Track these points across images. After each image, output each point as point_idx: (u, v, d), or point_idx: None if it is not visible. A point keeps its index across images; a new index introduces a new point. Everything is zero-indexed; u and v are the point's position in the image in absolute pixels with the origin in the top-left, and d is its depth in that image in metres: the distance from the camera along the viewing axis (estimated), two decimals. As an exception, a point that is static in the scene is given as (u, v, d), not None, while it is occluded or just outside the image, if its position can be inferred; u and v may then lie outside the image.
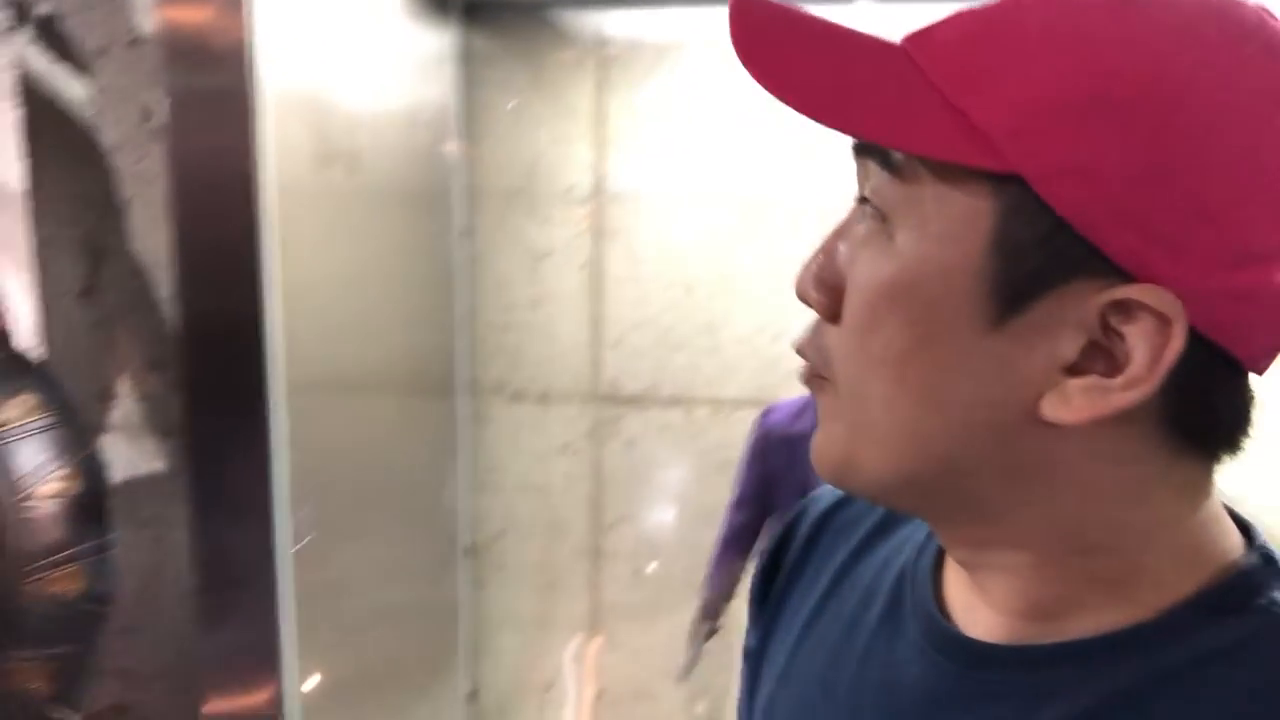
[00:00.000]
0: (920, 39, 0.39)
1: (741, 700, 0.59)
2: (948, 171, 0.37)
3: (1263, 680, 0.38)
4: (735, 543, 1.27)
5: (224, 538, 1.08)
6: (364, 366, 1.41)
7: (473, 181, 1.56)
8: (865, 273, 0.40)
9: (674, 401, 1.57)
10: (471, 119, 1.54)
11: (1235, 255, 0.36)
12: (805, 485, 1.23)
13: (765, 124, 1.46)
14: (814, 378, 0.43)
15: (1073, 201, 0.35)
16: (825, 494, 0.59)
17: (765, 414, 1.26)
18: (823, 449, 0.44)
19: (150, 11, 1.33)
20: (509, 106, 1.53)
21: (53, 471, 0.89)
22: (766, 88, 0.39)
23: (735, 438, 1.53)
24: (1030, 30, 0.37)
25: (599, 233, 1.56)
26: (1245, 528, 0.42)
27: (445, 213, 1.54)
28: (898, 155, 0.38)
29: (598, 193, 1.54)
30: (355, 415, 1.38)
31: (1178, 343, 0.35)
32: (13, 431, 0.90)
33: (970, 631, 0.44)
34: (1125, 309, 0.36)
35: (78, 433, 0.91)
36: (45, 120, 1.39)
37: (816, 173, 1.44)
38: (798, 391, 1.49)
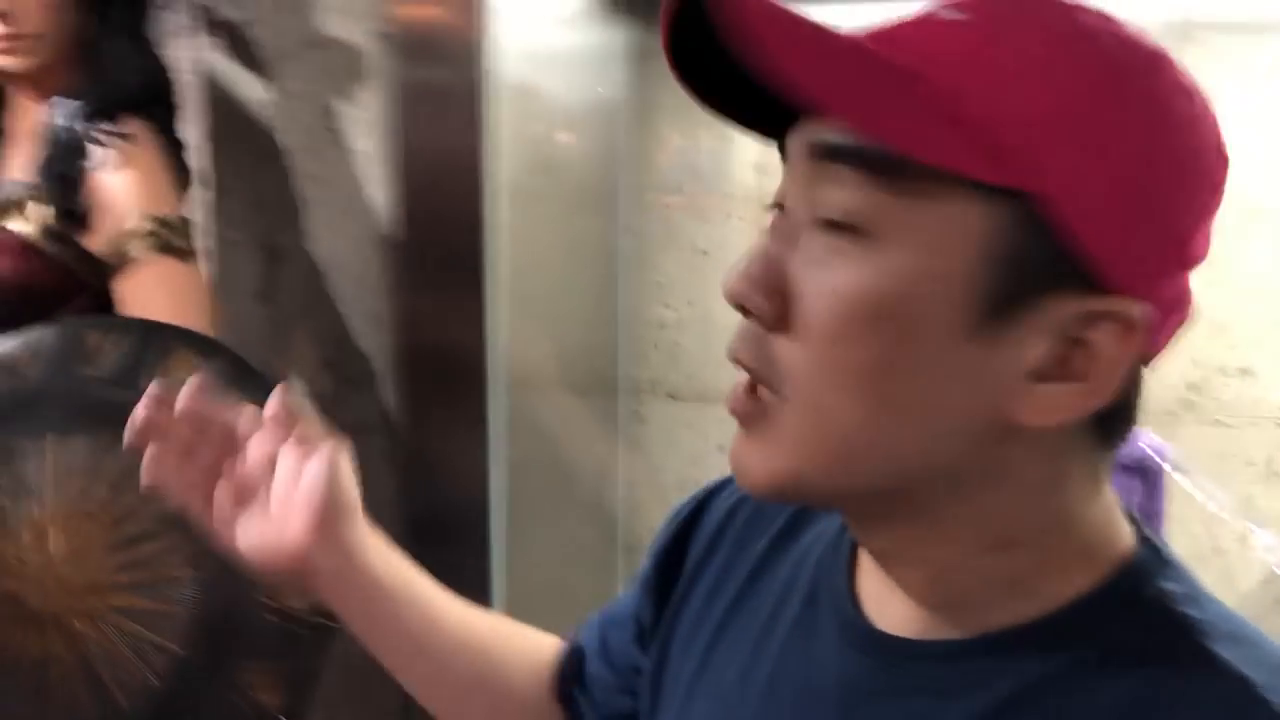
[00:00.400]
0: (924, 48, 0.39)
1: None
2: (942, 182, 0.37)
3: (1152, 668, 0.40)
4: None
5: (440, 551, 1.09)
6: (542, 363, 1.42)
7: (638, 179, 1.54)
8: (838, 283, 0.39)
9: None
10: (639, 116, 1.51)
11: (1184, 268, 0.41)
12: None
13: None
14: (753, 388, 0.42)
15: (1068, 217, 0.37)
16: (726, 489, 0.58)
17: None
18: (759, 465, 0.42)
19: (331, 15, 1.32)
20: (675, 105, 1.50)
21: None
22: (782, 81, 0.37)
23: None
24: (1034, 50, 0.39)
25: (762, 232, 1.50)
26: (1131, 518, 0.45)
27: (612, 210, 1.53)
28: (884, 164, 0.37)
29: (761, 192, 1.50)
30: (535, 411, 1.39)
31: (1138, 348, 0.39)
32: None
33: (884, 625, 0.45)
34: (1093, 317, 0.38)
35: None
36: (226, 122, 1.39)
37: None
38: None
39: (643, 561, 0.63)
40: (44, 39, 1.03)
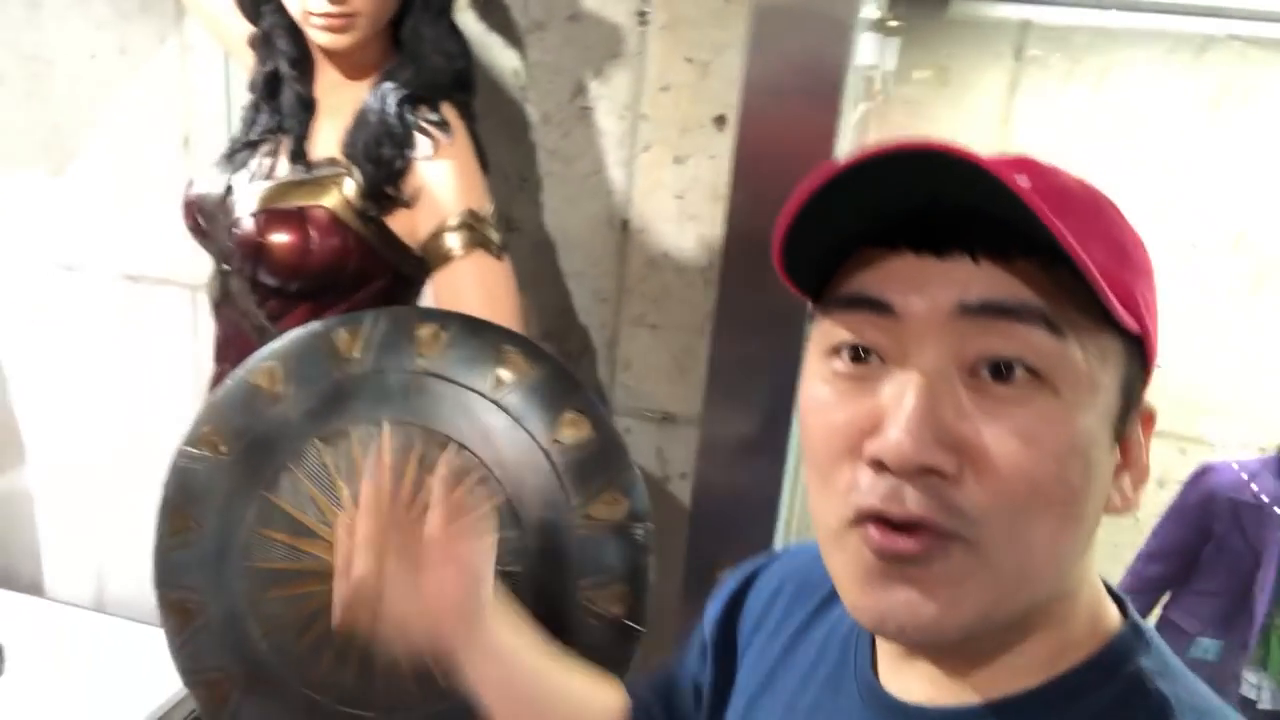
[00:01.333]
0: (1076, 224, 0.42)
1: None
2: (1099, 331, 0.44)
3: None
4: (1142, 595, 1.27)
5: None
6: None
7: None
8: (1029, 430, 0.43)
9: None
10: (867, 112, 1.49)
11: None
12: (1255, 551, 1.23)
13: (1176, 155, 1.39)
14: (939, 541, 0.44)
15: (1151, 348, 0.47)
16: (790, 554, 0.67)
17: (1204, 473, 1.24)
18: (949, 613, 0.45)
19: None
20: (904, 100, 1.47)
21: (602, 492, 0.93)
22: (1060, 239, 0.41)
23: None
24: (1123, 224, 0.48)
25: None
26: (1117, 597, 0.51)
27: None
28: (1059, 319, 0.43)
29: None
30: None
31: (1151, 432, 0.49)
32: (569, 451, 0.93)
33: (900, 691, 0.51)
34: (1138, 415, 0.48)
35: (619, 451, 0.93)
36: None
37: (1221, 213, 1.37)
38: (1217, 444, 1.46)
39: (697, 631, 0.71)
40: (367, 18, 1.02)
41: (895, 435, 0.43)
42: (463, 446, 0.92)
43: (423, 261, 1.08)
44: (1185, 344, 1.45)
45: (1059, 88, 1.43)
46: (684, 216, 1.35)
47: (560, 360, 0.96)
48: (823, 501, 0.48)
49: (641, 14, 1.30)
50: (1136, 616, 0.50)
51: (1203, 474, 1.26)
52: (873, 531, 0.45)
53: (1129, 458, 0.48)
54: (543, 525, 0.92)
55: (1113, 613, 0.50)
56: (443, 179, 1.03)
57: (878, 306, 0.45)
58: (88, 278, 1.76)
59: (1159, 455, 1.45)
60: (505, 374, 0.94)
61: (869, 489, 0.44)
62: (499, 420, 0.93)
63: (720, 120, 1.31)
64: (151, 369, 1.76)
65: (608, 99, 1.34)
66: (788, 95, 1.00)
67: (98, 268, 1.75)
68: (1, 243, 1.79)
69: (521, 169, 1.40)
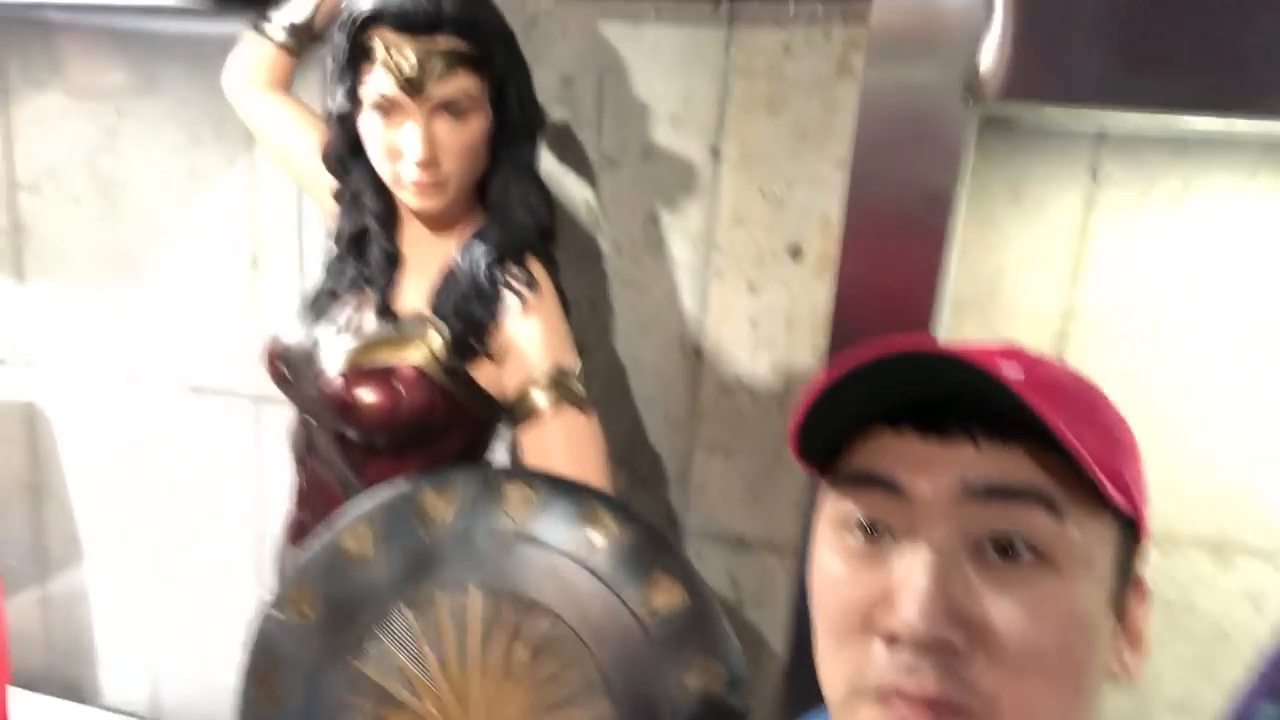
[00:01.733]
0: (1067, 412, 0.46)
1: None
2: (1096, 512, 0.47)
3: None
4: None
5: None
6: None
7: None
8: (1035, 607, 0.45)
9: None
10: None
11: None
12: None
13: (1260, 275, 1.36)
14: (953, 716, 0.45)
15: (1143, 528, 0.50)
16: None
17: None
18: None
19: (664, 127, 1.31)
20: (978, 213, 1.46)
21: (697, 659, 0.89)
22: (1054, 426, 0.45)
23: (1184, 580, 1.46)
24: (1108, 408, 0.52)
25: (1060, 357, 1.48)
26: None
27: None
28: (1059, 500, 0.46)
29: (1066, 315, 1.47)
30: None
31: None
32: (662, 618, 0.90)
33: None
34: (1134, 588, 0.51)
35: (714, 616, 0.91)
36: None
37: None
38: (1262, 542, 1.41)
39: None
40: (457, 180, 1.03)
41: (909, 612, 0.45)
42: (552, 612, 0.90)
43: (504, 409, 1.07)
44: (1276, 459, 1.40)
45: (1136, 205, 1.40)
46: (758, 344, 1.34)
47: (651, 521, 0.94)
48: (834, 669, 0.50)
49: (714, 150, 1.30)
50: None
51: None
52: (900, 706, 0.46)
53: (1128, 630, 0.51)
54: (636, 696, 0.89)
55: None
56: (531, 336, 1.03)
57: (887, 486, 0.49)
58: (153, 389, 1.78)
59: (1250, 574, 1.39)
60: (596, 536, 0.92)
61: (886, 665, 0.46)
62: (590, 585, 0.90)
63: (796, 250, 1.30)
64: (213, 479, 1.77)
65: (680, 230, 1.34)
66: (890, 224, 0.98)
67: (163, 379, 1.77)
68: (71, 355, 1.82)
69: (592, 295, 1.40)
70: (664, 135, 1.31)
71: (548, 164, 1.37)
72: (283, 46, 1.20)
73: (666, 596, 0.92)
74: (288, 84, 1.24)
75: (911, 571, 0.47)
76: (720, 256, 1.33)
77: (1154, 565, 1.47)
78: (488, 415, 1.09)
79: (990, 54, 0.91)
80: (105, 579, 1.92)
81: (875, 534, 0.49)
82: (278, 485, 1.74)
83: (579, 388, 1.04)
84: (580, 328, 1.41)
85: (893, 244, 0.99)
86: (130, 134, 1.70)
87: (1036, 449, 0.47)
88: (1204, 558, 1.44)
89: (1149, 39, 0.88)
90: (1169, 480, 1.44)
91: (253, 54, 1.21)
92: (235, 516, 1.76)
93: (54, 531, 1.92)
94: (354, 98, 1.01)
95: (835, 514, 0.52)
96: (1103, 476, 0.46)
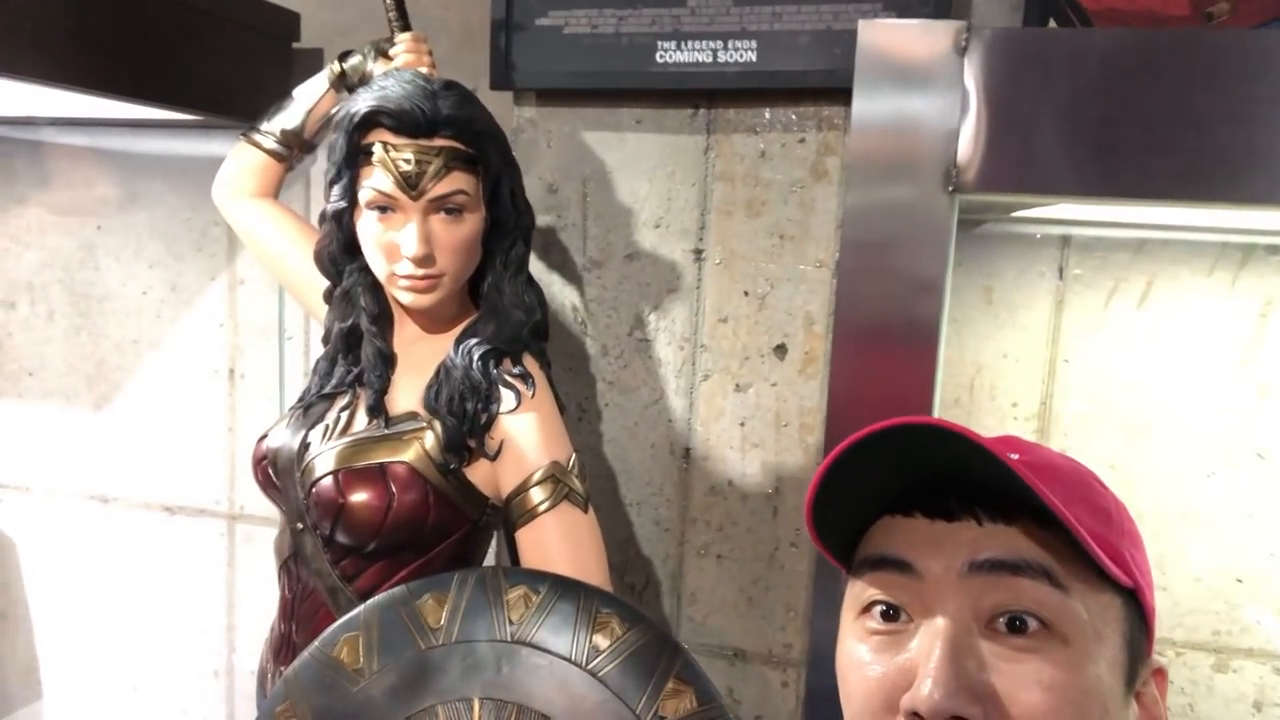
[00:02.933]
0: (1063, 492, 0.49)
1: None
2: (1098, 587, 0.49)
3: None
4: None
5: None
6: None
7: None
8: (1047, 679, 0.47)
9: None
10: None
11: None
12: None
13: (1227, 364, 1.40)
14: None
15: (1148, 605, 0.52)
16: None
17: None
18: None
19: (648, 230, 1.34)
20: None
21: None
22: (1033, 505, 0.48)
23: (1180, 683, 1.44)
24: (1105, 493, 0.55)
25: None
26: None
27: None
28: (1061, 573, 0.48)
29: (1043, 413, 1.49)
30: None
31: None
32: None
33: None
34: (1149, 672, 0.52)
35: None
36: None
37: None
38: (1258, 643, 1.40)
39: None
40: (451, 277, 1.04)
41: (927, 688, 0.47)
42: (560, 725, 0.86)
43: (498, 510, 1.05)
44: (1264, 556, 1.41)
45: (1103, 304, 1.45)
46: (747, 444, 1.34)
47: (657, 623, 0.91)
48: None
49: (697, 252, 1.33)
50: None
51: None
52: None
53: (1147, 712, 0.52)
54: (647, 811, 0.85)
55: None
56: (527, 432, 1.02)
57: (901, 566, 0.52)
58: (123, 509, 1.73)
59: (1254, 676, 1.39)
60: (601, 640, 0.90)
61: None
62: (597, 694, 0.87)
63: (780, 349, 1.32)
64: (185, 599, 1.70)
65: (666, 331, 1.36)
66: (880, 318, 1.00)
67: (134, 499, 1.72)
68: (40, 475, 1.77)
69: (580, 399, 1.40)
70: (647, 238, 1.34)
71: (534, 269, 1.38)
72: (272, 153, 1.22)
73: (677, 704, 0.88)
74: (276, 191, 1.25)
75: (929, 648, 0.49)
76: (707, 356, 1.35)
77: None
78: (482, 517, 1.06)
79: (966, 146, 0.95)
80: (64, 713, 1.81)
81: (894, 618, 0.52)
82: (251, 608, 1.68)
83: (577, 484, 1.02)
84: (569, 431, 1.41)
85: (885, 339, 1.01)
86: (109, 248, 1.70)
87: (1035, 527, 0.50)
88: (1202, 661, 1.43)
89: (1118, 128, 0.93)
90: (1158, 582, 1.44)
91: (243, 161, 1.23)
92: (208, 638, 1.69)
93: (12, 664, 1.83)
94: (351, 196, 1.02)
95: (857, 601, 0.54)
96: (1096, 547, 0.48)
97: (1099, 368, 1.45)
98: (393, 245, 1.01)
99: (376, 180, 0.99)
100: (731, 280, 1.33)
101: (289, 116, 1.22)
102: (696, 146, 1.31)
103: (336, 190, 1.02)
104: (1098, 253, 1.45)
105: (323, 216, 1.07)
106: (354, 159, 1.00)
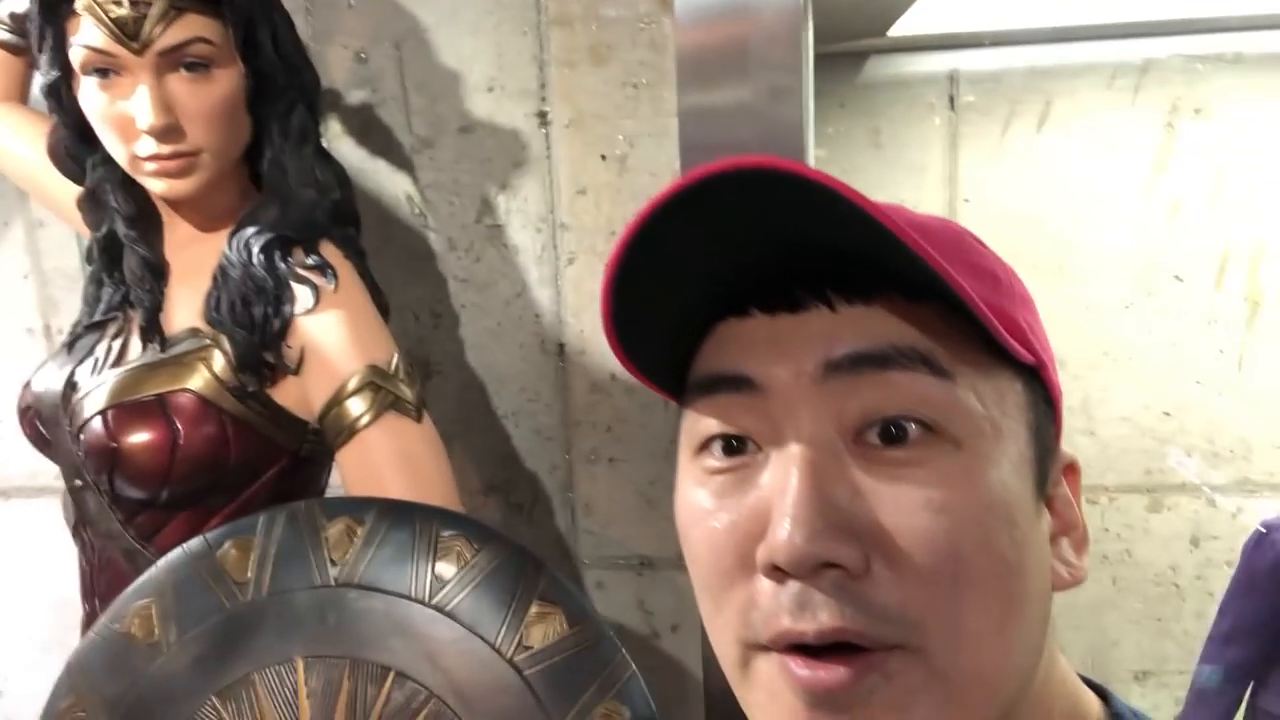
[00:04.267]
0: (939, 253, 0.37)
1: None
2: (989, 370, 0.39)
3: None
4: (1229, 685, 1.10)
5: None
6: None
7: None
8: (937, 496, 0.36)
9: (1042, 489, 1.40)
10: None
11: None
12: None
13: (1135, 184, 1.29)
14: (874, 660, 0.36)
15: (1053, 384, 0.42)
16: None
17: (1269, 532, 1.08)
18: None
19: (475, 94, 1.15)
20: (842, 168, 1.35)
21: (595, 705, 0.73)
22: (901, 264, 0.36)
23: (1116, 528, 1.37)
24: (989, 254, 0.43)
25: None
26: (1096, 689, 0.45)
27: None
28: (942, 359, 0.37)
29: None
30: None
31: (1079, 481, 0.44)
32: (542, 658, 0.73)
33: None
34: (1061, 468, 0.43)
35: (607, 646, 0.74)
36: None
37: (1202, 234, 1.27)
38: (1188, 476, 1.33)
39: None
40: (211, 155, 0.84)
41: (783, 531, 0.36)
42: (403, 675, 0.71)
43: (324, 437, 0.87)
44: (1190, 384, 1.33)
45: (1000, 133, 1.32)
46: (626, 330, 1.18)
47: (513, 539, 0.76)
48: (720, 628, 0.40)
49: (541, 115, 1.15)
50: (1121, 706, 0.44)
51: (1268, 534, 1.11)
52: (794, 666, 0.37)
53: (1061, 519, 0.42)
54: (523, 759, 0.71)
55: (1093, 708, 0.43)
56: (331, 334, 0.84)
57: (738, 383, 0.39)
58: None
59: (1188, 511, 1.32)
60: (446, 569, 0.74)
61: (771, 605, 0.37)
62: (446, 631, 0.72)
63: (650, 217, 1.15)
64: (31, 590, 1.50)
65: (519, 212, 1.18)
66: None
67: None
68: None
69: (433, 304, 1.22)
70: (481, 104, 1.15)
71: (352, 154, 1.19)
72: (5, 45, 0.99)
73: (544, 630, 0.74)
74: (21, 94, 1.03)
75: (783, 480, 0.37)
76: (569, 236, 1.18)
77: (1087, 520, 1.37)
78: (303, 446, 0.89)
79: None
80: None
81: (739, 449, 0.39)
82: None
83: (404, 389, 0.85)
84: (424, 342, 1.23)
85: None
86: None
87: (905, 304, 0.38)
88: (1136, 503, 1.35)
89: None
90: (1084, 427, 1.36)
91: None
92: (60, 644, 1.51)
93: None
94: (63, 63, 0.81)
95: (691, 438, 0.41)
96: (992, 318, 0.37)
97: (1001, 205, 1.33)
98: (124, 118, 0.80)
99: (86, 34, 0.78)
100: (585, 144, 1.15)
101: None
102: (523, -12, 1.12)
103: (45, 58, 0.81)
104: (989, 78, 1.31)
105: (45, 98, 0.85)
106: (54, 9, 0.79)
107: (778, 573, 0.36)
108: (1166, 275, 1.32)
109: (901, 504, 0.36)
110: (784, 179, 0.34)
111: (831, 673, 0.36)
